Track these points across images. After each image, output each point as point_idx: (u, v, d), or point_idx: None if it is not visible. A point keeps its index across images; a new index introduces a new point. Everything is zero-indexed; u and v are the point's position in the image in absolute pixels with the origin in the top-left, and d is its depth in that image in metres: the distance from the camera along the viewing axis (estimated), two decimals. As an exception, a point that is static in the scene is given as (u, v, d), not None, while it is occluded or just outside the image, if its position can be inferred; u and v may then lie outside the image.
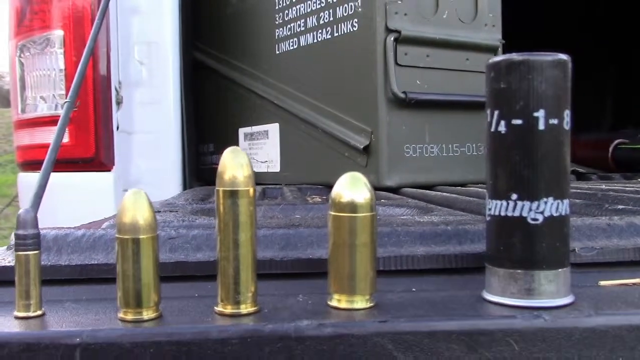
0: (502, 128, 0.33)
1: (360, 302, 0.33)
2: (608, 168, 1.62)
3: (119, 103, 1.29)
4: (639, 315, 0.32)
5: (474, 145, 1.10)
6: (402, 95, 0.99)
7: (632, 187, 0.80)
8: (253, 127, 1.34)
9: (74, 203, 1.25)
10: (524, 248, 0.33)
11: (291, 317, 0.31)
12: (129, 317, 0.31)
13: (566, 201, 0.33)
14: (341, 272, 0.33)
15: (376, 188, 1.01)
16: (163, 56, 1.38)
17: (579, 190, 0.74)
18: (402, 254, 0.39)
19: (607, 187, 0.79)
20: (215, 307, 0.33)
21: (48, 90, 1.30)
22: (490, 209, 0.34)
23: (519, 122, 0.33)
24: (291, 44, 1.21)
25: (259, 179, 1.31)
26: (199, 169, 1.54)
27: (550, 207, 0.32)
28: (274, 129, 1.28)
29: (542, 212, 0.32)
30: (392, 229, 0.40)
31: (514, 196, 0.33)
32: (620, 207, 0.55)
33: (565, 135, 0.33)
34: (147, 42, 1.36)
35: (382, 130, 1.00)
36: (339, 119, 1.09)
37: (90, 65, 1.23)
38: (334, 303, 0.33)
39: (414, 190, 0.95)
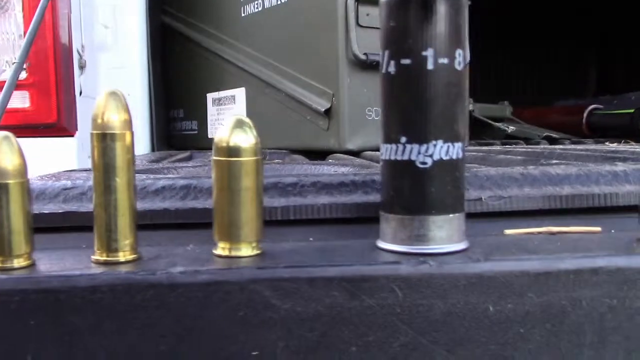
0: (391, 68, 0.31)
1: (245, 250, 0.32)
2: (582, 133, 1.61)
3: (81, 67, 1.26)
4: (529, 260, 0.31)
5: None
6: (364, 57, 0.97)
7: (584, 147, 0.79)
8: (220, 92, 1.32)
9: (37, 169, 1.23)
10: (413, 193, 0.32)
11: (168, 264, 0.30)
12: (-2, 265, 0.30)
13: (458, 144, 0.32)
14: (224, 219, 0.32)
15: (338, 151, 1.00)
16: (129, 20, 1.35)
17: (528, 149, 0.73)
18: (303, 203, 0.38)
19: (560, 148, 0.77)
20: (92, 256, 0.31)
21: (9, 54, 1.27)
22: (382, 154, 0.33)
23: (407, 61, 0.31)
24: (256, 6, 1.19)
25: (226, 144, 1.29)
26: (169, 135, 1.52)
27: (440, 150, 0.31)
28: (240, 93, 1.26)
29: (430, 156, 0.31)
30: (298, 179, 0.39)
31: (403, 139, 0.31)
32: (555, 161, 0.54)
33: (456, 76, 0.31)
34: (112, 5, 1.33)
35: (343, 93, 0.99)
36: (302, 82, 1.07)
37: (51, 29, 1.20)
38: (218, 251, 0.32)
39: (375, 153, 0.94)
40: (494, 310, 0.31)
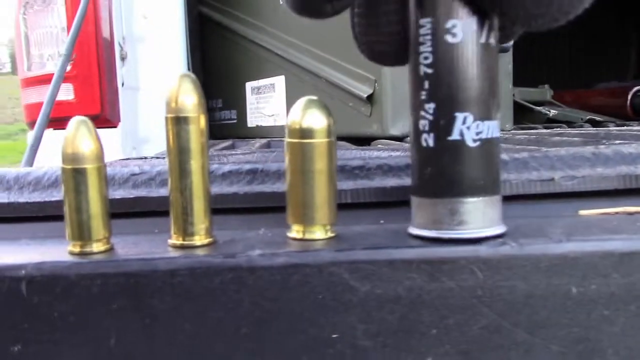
0: (492, 40, 0.30)
1: (320, 233, 0.32)
2: (627, 116, 1.57)
3: (123, 59, 1.27)
4: (613, 240, 0.30)
5: (482, 92, 1.07)
6: (406, 41, 0.96)
7: (638, 127, 0.77)
8: (259, 80, 1.32)
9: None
10: (446, 175, 0.30)
11: (245, 248, 0.30)
12: (77, 249, 0.30)
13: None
14: (298, 202, 0.32)
15: (381, 137, 0.99)
16: (168, 10, 1.36)
17: (582, 131, 0.71)
18: (372, 186, 0.37)
19: (614, 129, 0.76)
20: (169, 240, 0.32)
21: (52, 47, 1.29)
22: (481, 132, 0.31)
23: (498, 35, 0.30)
24: (294, -8, 1.18)
25: (266, 132, 1.29)
26: (209, 124, 1.53)
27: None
28: (280, 81, 1.26)
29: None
30: (364, 162, 0.39)
31: (498, 115, 0.31)
32: (618, 142, 0.53)
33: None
34: (151, -3, 1.34)
35: (386, 79, 0.98)
36: (343, 69, 1.06)
37: (93, 21, 1.22)
38: (292, 234, 0.32)
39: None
40: (576, 292, 0.30)
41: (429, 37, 0.30)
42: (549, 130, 0.85)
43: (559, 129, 1.25)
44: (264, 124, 1.31)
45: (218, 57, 1.47)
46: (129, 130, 1.26)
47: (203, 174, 0.31)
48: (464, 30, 0.29)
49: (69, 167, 0.30)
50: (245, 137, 1.33)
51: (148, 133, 1.31)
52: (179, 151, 0.31)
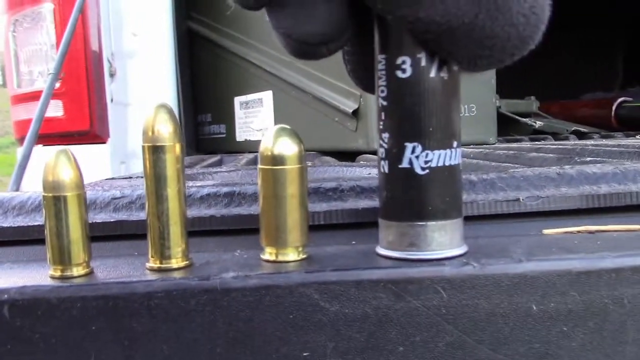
0: (444, 73, 0.32)
1: (292, 254, 0.33)
2: (611, 127, 1.59)
3: (112, 75, 1.29)
4: (571, 260, 0.31)
5: (466, 107, 1.09)
6: (390, 57, 0.97)
7: (616, 142, 0.79)
8: (248, 95, 1.34)
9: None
10: (411, 200, 0.32)
11: (219, 270, 0.32)
12: (58, 274, 0.32)
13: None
14: (270, 225, 0.33)
15: (367, 152, 1.00)
16: (156, 27, 1.37)
17: (559, 146, 0.73)
18: (344, 208, 0.39)
19: (592, 144, 0.77)
20: (147, 263, 0.33)
21: (42, 64, 1.30)
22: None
23: (455, 68, 0.32)
24: (281, 9, 1.20)
25: (255, 147, 1.30)
26: (198, 139, 1.54)
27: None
28: (267, 96, 1.27)
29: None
30: (338, 184, 0.40)
31: (455, 143, 0.32)
32: (589, 158, 0.55)
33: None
34: (139, 13, 1.36)
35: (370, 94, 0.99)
36: (329, 84, 1.08)
37: (82, 38, 1.23)
38: (266, 256, 0.34)
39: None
40: (537, 309, 0.31)
41: (383, 72, 0.32)
42: (529, 145, 0.87)
43: (543, 141, 1.27)
44: (252, 139, 1.33)
45: (207, 73, 1.48)
46: (118, 146, 1.27)
47: (179, 199, 0.33)
48: (412, 66, 0.31)
49: (50, 194, 0.31)
50: (234, 151, 1.34)
51: (137, 148, 1.32)
52: (156, 178, 0.32)
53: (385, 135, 0.32)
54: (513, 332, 0.31)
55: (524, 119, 1.62)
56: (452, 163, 0.32)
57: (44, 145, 1.22)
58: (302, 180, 0.33)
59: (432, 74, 0.31)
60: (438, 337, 0.31)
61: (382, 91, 0.32)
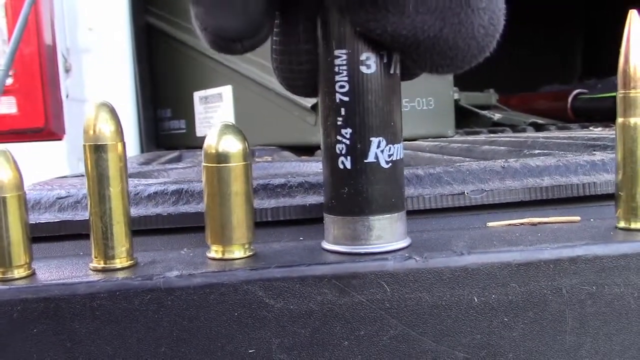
0: (398, 70, 0.33)
1: (238, 252, 0.33)
2: (568, 118, 1.62)
3: (67, 70, 1.26)
4: (511, 252, 0.32)
5: (424, 100, 1.10)
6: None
7: (568, 134, 0.81)
8: (207, 90, 1.33)
9: (26, 173, 1.23)
10: (353, 195, 0.33)
11: (163, 269, 0.31)
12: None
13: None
14: (216, 223, 0.33)
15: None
16: (113, 21, 1.35)
17: (512, 139, 0.74)
18: (292, 204, 0.39)
19: (544, 136, 0.79)
20: (90, 264, 0.33)
21: (-6, 60, 1.27)
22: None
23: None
24: (239, 3, 1.19)
25: (215, 142, 1.30)
26: (158, 134, 1.53)
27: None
28: (227, 91, 1.27)
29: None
30: (286, 180, 0.40)
31: (401, 138, 0.33)
32: (538, 152, 0.56)
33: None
34: (95, 7, 1.33)
35: (329, 88, 1.00)
36: (288, 78, 1.08)
37: (35, 33, 1.20)
38: (212, 254, 0.34)
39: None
40: (478, 301, 0.32)
41: (344, 67, 0.32)
42: (484, 138, 0.88)
43: (499, 134, 1.29)
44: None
45: (166, 67, 1.46)
46: (75, 142, 1.25)
47: (122, 198, 0.32)
48: (376, 63, 0.32)
49: (-12, 196, 0.30)
50: (194, 146, 1.33)
51: (96, 144, 1.30)
52: (98, 178, 0.32)
53: (347, 131, 0.32)
54: (455, 324, 0.32)
55: (483, 112, 1.65)
56: (402, 157, 0.33)
57: (-2, 143, 1.19)
58: (246, 177, 0.33)
59: (392, 70, 0.32)
60: (382, 330, 0.32)
61: (342, 87, 0.32)
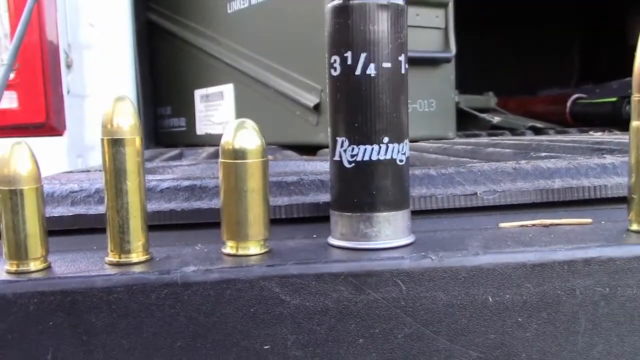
0: (371, 71, 0.33)
1: (253, 248, 0.33)
2: (566, 123, 1.63)
3: (69, 66, 1.26)
4: (525, 253, 0.32)
5: (425, 102, 1.10)
6: (351, 52, 0.98)
7: (570, 137, 0.81)
8: (208, 88, 1.33)
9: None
10: (361, 192, 0.33)
11: (180, 264, 0.31)
12: (14, 268, 0.31)
13: (404, 143, 0.34)
14: (232, 219, 0.33)
15: (327, 146, 1.01)
16: (114, 17, 1.35)
17: (516, 141, 0.75)
18: (306, 202, 0.39)
19: (547, 139, 0.79)
20: (106, 258, 0.33)
21: (-5, 55, 1.26)
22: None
23: (388, 65, 0.33)
24: (242, 2, 1.20)
25: (215, 140, 1.29)
26: (157, 132, 1.53)
27: (392, 149, 0.34)
28: (228, 89, 1.27)
29: (404, 154, 0.34)
30: (299, 178, 0.40)
31: (385, 139, 0.33)
32: (545, 154, 0.56)
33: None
34: (98, 3, 1.33)
35: (332, 88, 1.00)
36: (291, 78, 1.08)
37: (37, 29, 1.20)
38: (227, 250, 0.34)
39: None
40: (493, 300, 0.32)
41: (326, 69, 0.34)
42: (487, 140, 0.88)
43: (500, 136, 1.29)
44: (213, 132, 1.32)
45: (167, 65, 1.46)
46: (75, 138, 1.25)
47: (139, 193, 0.32)
48: (341, 65, 0.33)
49: (6, 188, 0.30)
50: (194, 144, 1.33)
51: (95, 141, 1.30)
52: (116, 172, 0.32)
53: (328, 130, 0.34)
54: (470, 323, 0.32)
55: (482, 115, 1.65)
56: (382, 158, 0.33)
57: (-2, 138, 1.19)
58: (263, 174, 0.33)
59: (358, 72, 0.32)
60: (397, 328, 0.32)
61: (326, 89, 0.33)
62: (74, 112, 1.26)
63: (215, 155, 1.07)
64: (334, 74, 0.33)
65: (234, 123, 0.33)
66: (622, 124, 1.46)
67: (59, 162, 1.20)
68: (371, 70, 0.33)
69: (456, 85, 1.20)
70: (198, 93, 1.35)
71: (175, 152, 1.11)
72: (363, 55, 0.33)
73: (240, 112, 1.23)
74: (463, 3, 1.15)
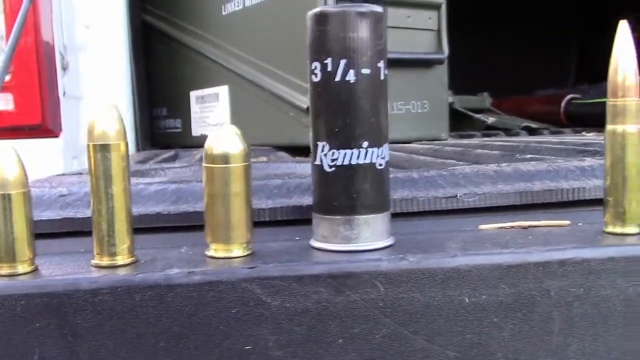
0: (350, 77, 0.33)
1: (236, 251, 0.34)
2: (561, 123, 1.64)
3: (64, 68, 1.27)
4: (501, 254, 0.33)
5: (418, 103, 1.11)
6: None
7: (560, 138, 0.82)
8: (204, 90, 1.34)
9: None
10: (342, 195, 0.34)
11: (164, 266, 0.32)
12: (3, 271, 0.32)
13: (384, 148, 0.35)
14: (215, 222, 0.34)
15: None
16: (110, 19, 1.36)
17: (505, 143, 0.76)
18: (289, 204, 0.40)
19: (536, 140, 0.80)
20: (92, 260, 0.33)
21: (-9, 57, 1.27)
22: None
23: (367, 71, 0.34)
24: (236, 4, 1.20)
25: (211, 142, 1.30)
26: (153, 133, 1.53)
27: (372, 153, 0.34)
28: (223, 91, 1.27)
29: (384, 158, 0.35)
30: (284, 181, 0.41)
31: (365, 144, 0.34)
32: (529, 156, 0.57)
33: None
34: (93, 5, 1.34)
35: (325, 90, 1.01)
36: (284, 80, 1.09)
37: (32, 30, 1.21)
38: (211, 253, 0.34)
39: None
40: (469, 301, 0.33)
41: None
42: (477, 141, 0.89)
43: (493, 137, 1.30)
44: (208, 133, 1.32)
45: (163, 66, 1.47)
46: (71, 140, 1.26)
47: (124, 196, 0.33)
48: (321, 71, 0.34)
49: (-6, 193, 0.31)
50: (189, 146, 1.34)
51: (91, 142, 1.30)
52: (101, 177, 0.32)
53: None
54: (447, 324, 0.33)
55: (476, 115, 1.66)
56: (362, 162, 0.34)
57: (-6, 139, 1.19)
58: (246, 178, 0.34)
59: (337, 78, 0.33)
60: (375, 329, 0.33)
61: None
62: (70, 113, 1.27)
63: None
64: (315, 80, 0.34)
65: (217, 128, 0.34)
66: (615, 124, 1.47)
67: (54, 163, 1.21)
68: (350, 76, 0.33)
69: (451, 86, 1.21)
70: (193, 94, 1.36)
71: (170, 153, 1.12)
72: (342, 62, 0.33)
73: (235, 114, 1.24)
74: (459, 3, 1.16)
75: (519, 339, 0.33)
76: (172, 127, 1.46)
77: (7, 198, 0.31)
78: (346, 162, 0.34)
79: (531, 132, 1.54)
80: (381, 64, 0.34)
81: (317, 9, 0.34)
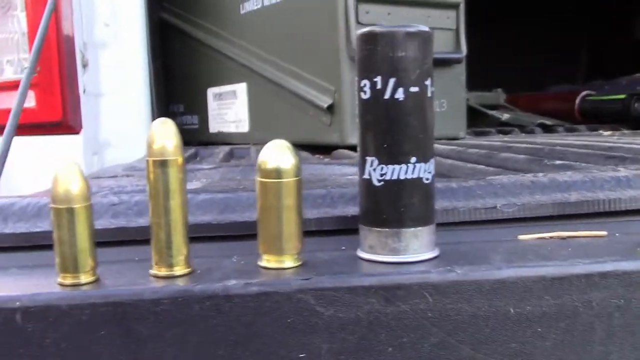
0: (399, 95, 0.35)
1: (288, 262, 0.35)
2: (575, 120, 1.65)
3: (84, 65, 1.28)
4: (546, 266, 0.34)
5: (437, 102, 1.12)
6: (364, 54, 0.99)
7: (580, 140, 0.83)
8: (221, 87, 1.35)
9: (43, 166, 1.25)
10: (390, 208, 0.36)
11: (221, 277, 0.34)
12: (67, 281, 0.33)
13: (431, 162, 0.36)
14: (268, 234, 0.35)
15: (341, 146, 1.03)
16: (129, 17, 1.37)
17: (529, 145, 0.77)
18: (334, 214, 0.41)
19: (558, 142, 0.81)
20: (150, 270, 0.35)
21: (12, 54, 1.29)
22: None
23: (415, 89, 0.35)
24: (255, 3, 1.21)
25: (228, 138, 1.32)
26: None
27: (420, 168, 0.36)
28: (241, 88, 1.28)
29: (430, 172, 0.36)
30: (327, 191, 0.42)
31: (413, 159, 0.35)
32: (559, 162, 0.58)
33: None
34: (112, 3, 1.35)
35: (345, 89, 1.02)
36: (304, 79, 1.10)
37: (54, 28, 1.22)
38: (263, 263, 0.36)
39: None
40: (514, 312, 0.34)
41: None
42: (499, 142, 0.90)
43: (510, 135, 1.31)
44: (225, 130, 1.34)
45: (179, 63, 1.48)
46: (91, 137, 1.27)
47: (182, 209, 0.34)
48: (370, 89, 0.35)
49: (60, 207, 0.33)
50: (207, 142, 1.35)
51: (110, 138, 1.32)
52: (160, 191, 0.34)
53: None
54: (492, 333, 0.34)
55: (491, 112, 1.67)
56: (410, 177, 0.35)
57: (15, 136, 1.21)
58: (298, 191, 0.35)
59: (387, 96, 0.34)
60: (424, 338, 0.34)
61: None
62: (90, 110, 1.28)
63: (230, 156, 1.09)
64: (364, 97, 0.35)
65: (270, 143, 0.35)
66: (631, 121, 1.47)
67: (75, 160, 1.22)
68: (399, 94, 0.34)
69: (465, 83, 1.22)
70: (211, 91, 1.37)
71: (190, 151, 1.13)
72: (392, 81, 0.34)
73: (254, 111, 1.25)
74: (473, 1, 1.16)
75: (561, 349, 0.35)
76: (189, 123, 1.47)
77: (72, 212, 0.33)
78: (394, 177, 0.35)
79: (546, 128, 1.55)
80: (428, 82, 0.35)
81: (365, 29, 0.35)
